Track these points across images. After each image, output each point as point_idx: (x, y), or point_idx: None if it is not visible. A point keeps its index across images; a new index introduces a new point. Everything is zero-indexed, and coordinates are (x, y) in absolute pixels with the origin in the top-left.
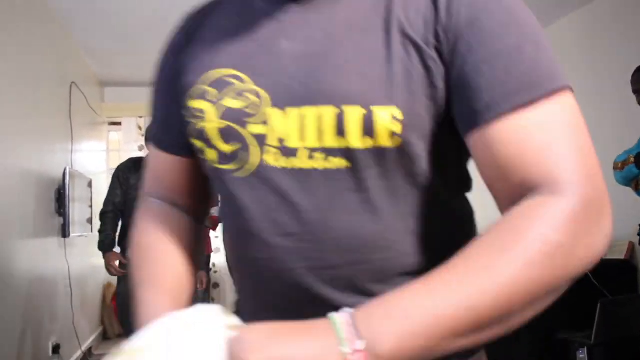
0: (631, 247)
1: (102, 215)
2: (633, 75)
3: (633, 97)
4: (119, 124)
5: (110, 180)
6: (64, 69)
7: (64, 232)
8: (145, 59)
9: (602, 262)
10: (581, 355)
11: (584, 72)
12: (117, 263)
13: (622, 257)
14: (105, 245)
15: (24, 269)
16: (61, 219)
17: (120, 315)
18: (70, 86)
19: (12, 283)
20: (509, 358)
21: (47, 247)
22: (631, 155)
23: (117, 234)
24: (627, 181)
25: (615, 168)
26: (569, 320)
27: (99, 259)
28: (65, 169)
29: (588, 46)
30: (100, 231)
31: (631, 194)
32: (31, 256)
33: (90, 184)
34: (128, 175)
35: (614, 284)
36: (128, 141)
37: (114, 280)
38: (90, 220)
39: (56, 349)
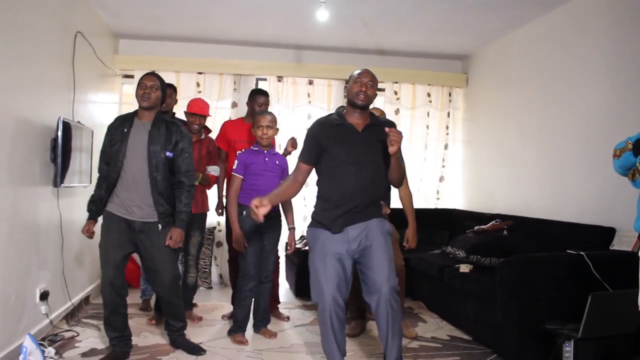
0: None
1: (98, 177)
2: None
3: None
4: (132, 76)
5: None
6: (67, 18)
7: (55, 182)
8: (157, 12)
9: (607, 252)
10: (567, 348)
11: (610, 47)
12: (87, 232)
13: (629, 248)
14: (89, 211)
15: (10, 214)
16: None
17: None
18: (75, 36)
19: None
20: (500, 344)
21: (40, 195)
22: (629, 142)
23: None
24: (624, 170)
25: (613, 156)
26: (562, 310)
27: None
28: (59, 119)
29: (622, 18)
30: (91, 195)
31: None
32: (21, 202)
33: (92, 135)
34: (113, 133)
35: (620, 277)
36: None
37: None
38: (89, 172)
39: (44, 296)
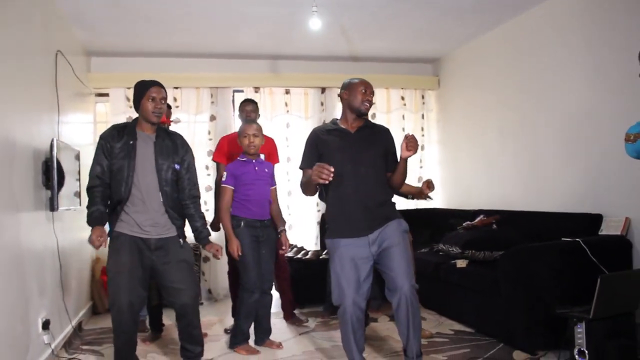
0: (627, 223)
1: (90, 190)
2: None
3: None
4: (106, 95)
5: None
6: (48, 36)
7: (52, 206)
8: (135, 28)
9: (599, 237)
10: (579, 330)
11: (586, 46)
12: (98, 238)
13: (618, 232)
14: (92, 219)
15: (10, 242)
16: (49, 192)
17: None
18: (56, 55)
19: None
20: (506, 333)
21: (34, 221)
22: None
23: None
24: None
25: (627, 140)
26: (565, 295)
27: (87, 233)
28: (52, 141)
29: (590, 18)
30: (88, 207)
31: (627, 171)
32: (18, 230)
33: (78, 156)
34: (112, 144)
35: (609, 259)
36: (116, 113)
37: (102, 254)
38: (78, 194)
39: (46, 324)
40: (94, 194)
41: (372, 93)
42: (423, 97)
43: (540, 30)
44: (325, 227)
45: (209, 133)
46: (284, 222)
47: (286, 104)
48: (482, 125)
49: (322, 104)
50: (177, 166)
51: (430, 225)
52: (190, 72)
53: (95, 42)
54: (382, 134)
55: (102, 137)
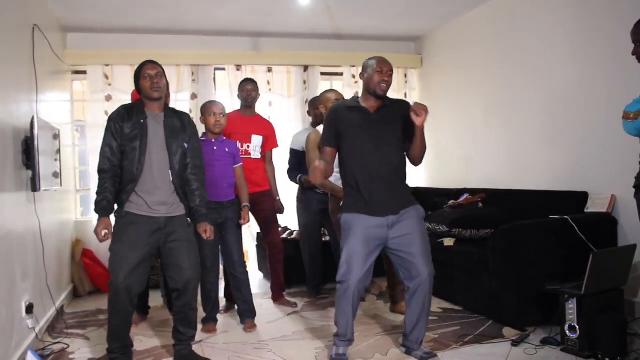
0: (613, 200)
1: (99, 172)
2: (635, 26)
3: (624, 51)
4: (84, 72)
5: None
6: (23, 9)
7: (34, 186)
8: (113, 2)
9: (586, 215)
10: (570, 306)
11: (572, 22)
12: (103, 232)
13: (604, 210)
14: (100, 209)
15: None
16: (29, 172)
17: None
18: (33, 29)
19: None
20: (495, 310)
21: (16, 202)
22: None
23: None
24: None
25: (626, 118)
26: (553, 272)
27: (67, 214)
28: (32, 119)
29: None
30: (97, 192)
31: (612, 148)
32: (1, 211)
33: (56, 136)
34: (122, 125)
35: (596, 236)
36: (94, 91)
37: (82, 236)
38: (57, 174)
39: (29, 308)
40: (104, 179)
41: (391, 72)
42: (406, 75)
43: (524, 7)
44: (342, 204)
45: (191, 112)
46: (246, 198)
47: (268, 82)
48: (466, 103)
49: (304, 82)
50: (186, 145)
51: None
52: (170, 49)
53: (71, 17)
54: (401, 108)
55: (110, 118)
